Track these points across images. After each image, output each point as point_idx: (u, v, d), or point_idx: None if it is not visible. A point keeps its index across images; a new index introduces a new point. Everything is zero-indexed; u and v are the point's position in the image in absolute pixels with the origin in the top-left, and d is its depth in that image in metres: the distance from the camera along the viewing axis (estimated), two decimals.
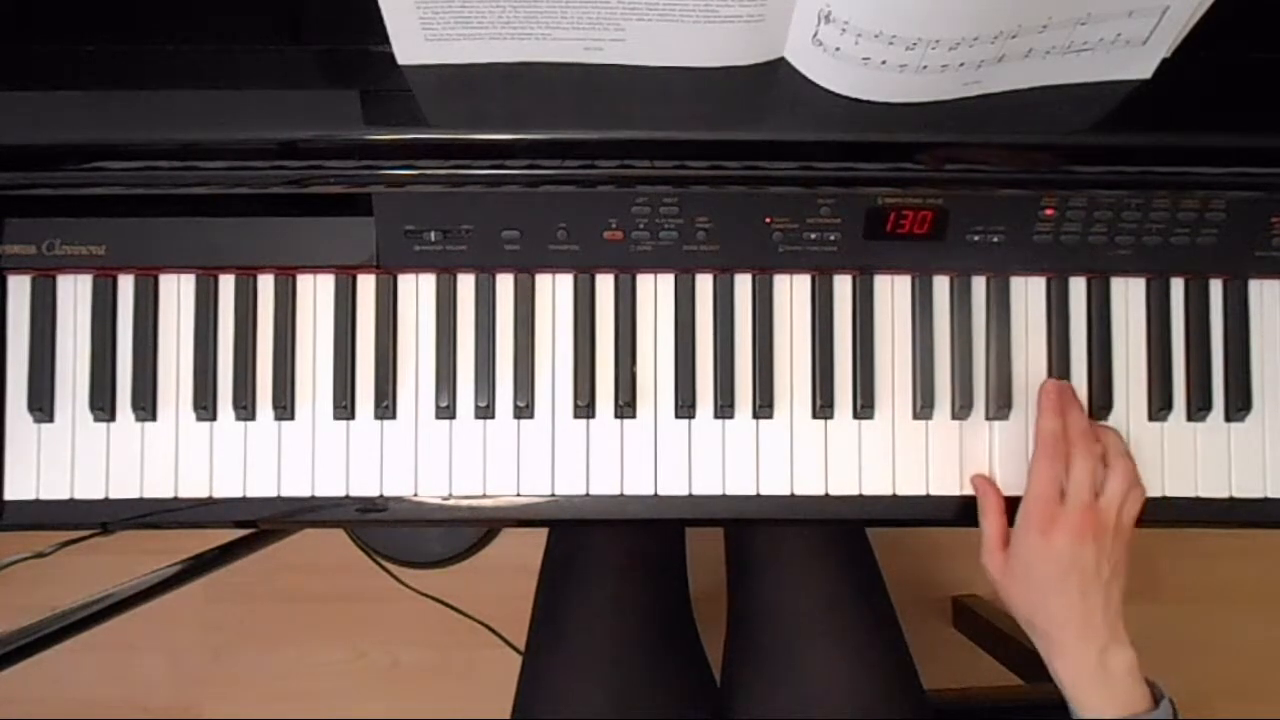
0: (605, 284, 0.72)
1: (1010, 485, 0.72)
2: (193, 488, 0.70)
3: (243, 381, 0.70)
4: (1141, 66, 0.65)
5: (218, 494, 0.70)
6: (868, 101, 0.64)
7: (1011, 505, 0.70)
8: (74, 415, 0.70)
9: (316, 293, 0.71)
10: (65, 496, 0.70)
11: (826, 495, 0.72)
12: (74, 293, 0.71)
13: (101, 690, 1.45)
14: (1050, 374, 0.73)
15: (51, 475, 0.70)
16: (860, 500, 0.72)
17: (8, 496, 0.70)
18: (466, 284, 0.71)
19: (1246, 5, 0.65)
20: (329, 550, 1.44)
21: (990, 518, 0.69)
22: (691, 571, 0.93)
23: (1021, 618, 0.69)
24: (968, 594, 1.44)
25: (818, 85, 0.64)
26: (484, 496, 0.71)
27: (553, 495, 0.71)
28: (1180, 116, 0.67)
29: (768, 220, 0.70)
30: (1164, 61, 0.64)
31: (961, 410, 0.72)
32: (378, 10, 0.60)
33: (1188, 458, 0.73)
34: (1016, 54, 0.62)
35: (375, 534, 1.43)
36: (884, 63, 0.61)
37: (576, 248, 0.70)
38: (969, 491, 0.72)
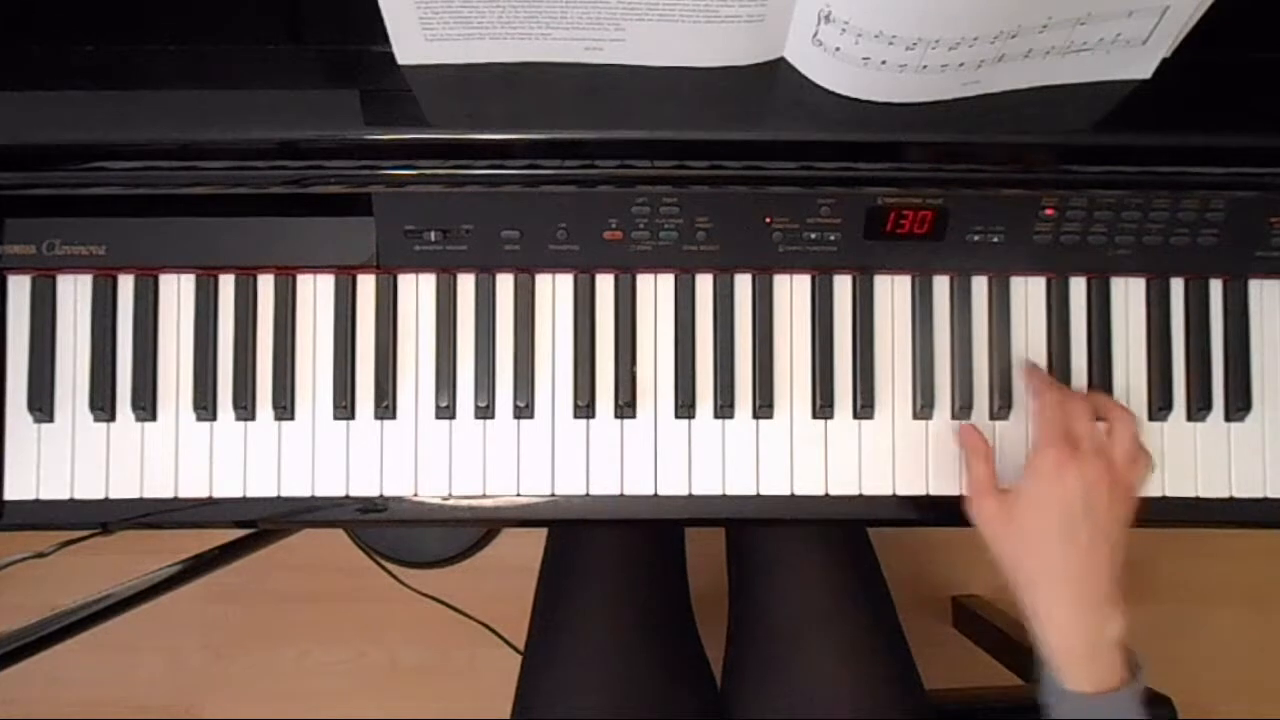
0: (605, 284, 0.72)
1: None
2: (193, 488, 0.70)
3: (243, 381, 0.70)
4: (1141, 66, 0.65)
5: (218, 494, 0.70)
6: (868, 101, 0.64)
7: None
8: (74, 415, 0.70)
9: (316, 293, 0.71)
10: (65, 496, 0.70)
11: (826, 495, 0.72)
12: (74, 293, 0.71)
13: (101, 690, 1.45)
14: (1050, 374, 0.72)
15: (51, 475, 0.70)
16: (860, 500, 0.72)
17: (8, 496, 0.70)
18: (466, 284, 0.71)
19: (1246, 5, 0.65)
20: (329, 550, 1.44)
21: (981, 459, 0.67)
22: (691, 571, 0.93)
23: (1018, 574, 0.64)
24: (968, 594, 1.44)
25: (818, 85, 0.64)
26: (484, 496, 0.71)
27: (553, 495, 0.71)
28: (1180, 116, 0.67)
29: (768, 220, 0.70)
30: (1164, 61, 0.64)
31: (962, 410, 0.72)
32: (378, 10, 0.60)
33: (1188, 458, 0.73)
34: (1016, 54, 0.62)
35: (375, 534, 1.43)
36: (884, 63, 0.61)
37: (576, 248, 0.70)
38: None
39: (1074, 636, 0.62)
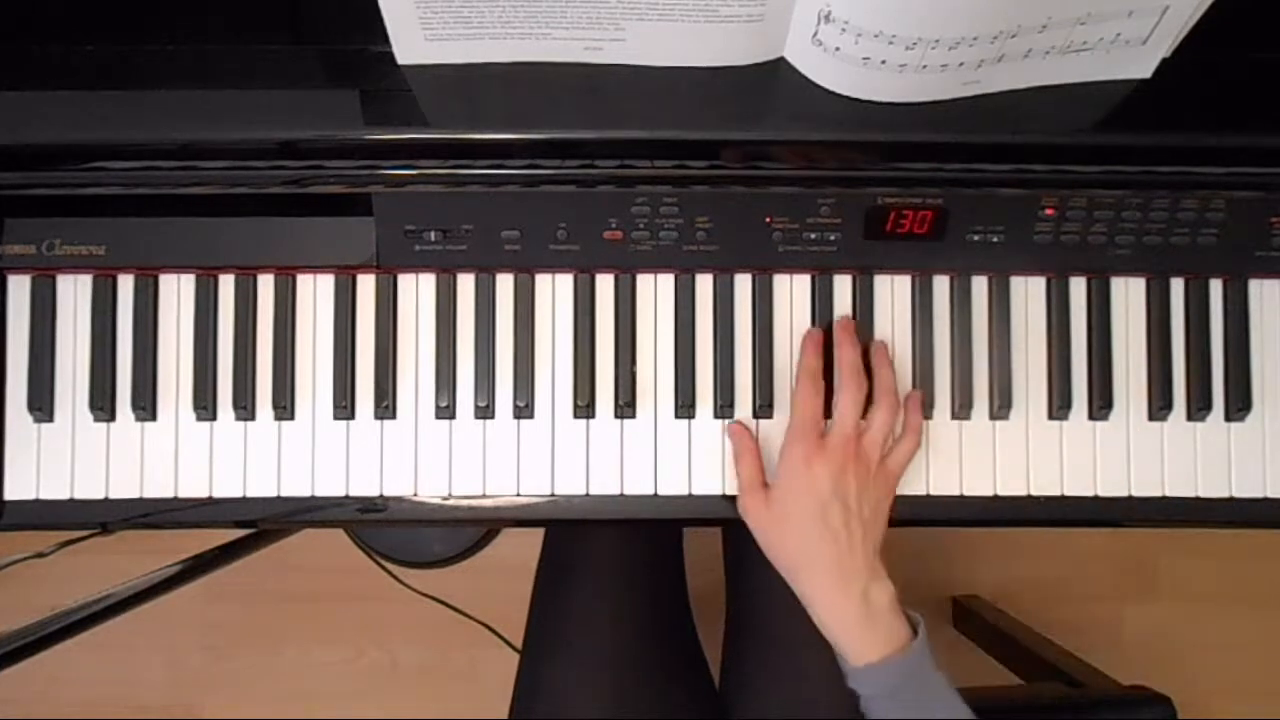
0: (605, 284, 0.72)
1: (1010, 485, 0.72)
2: (193, 488, 0.70)
3: (243, 381, 0.70)
4: (1141, 66, 0.65)
5: (218, 494, 0.70)
6: (868, 101, 0.64)
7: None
8: (74, 415, 0.70)
9: (316, 293, 0.71)
10: (65, 496, 0.70)
11: None
12: (74, 293, 0.71)
13: (101, 690, 1.45)
14: (1050, 374, 0.73)
15: (51, 475, 0.70)
16: None
17: (8, 496, 0.70)
18: (466, 284, 0.71)
19: (1246, 5, 0.65)
20: (329, 550, 1.44)
21: (746, 459, 0.69)
22: (690, 571, 0.93)
23: (784, 564, 0.68)
24: (968, 594, 1.44)
25: (818, 85, 0.64)
26: (484, 496, 0.71)
27: (552, 495, 0.71)
28: (1180, 116, 0.67)
29: (768, 220, 0.70)
30: (1164, 61, 0.64)
31: (961, 410, 0.72)
32: (378, 10, 0.60)
33: (1188, 458, 0.73)
34: (1016, 54, 0.62)
35: (375, 534, 1.43)
36: (884, 63, 0.61)
37: (576, 248, 0.70)
38: (970, 492, 0.72)
39: (844, 612, 0.65)
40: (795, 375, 0.71)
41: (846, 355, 0.69)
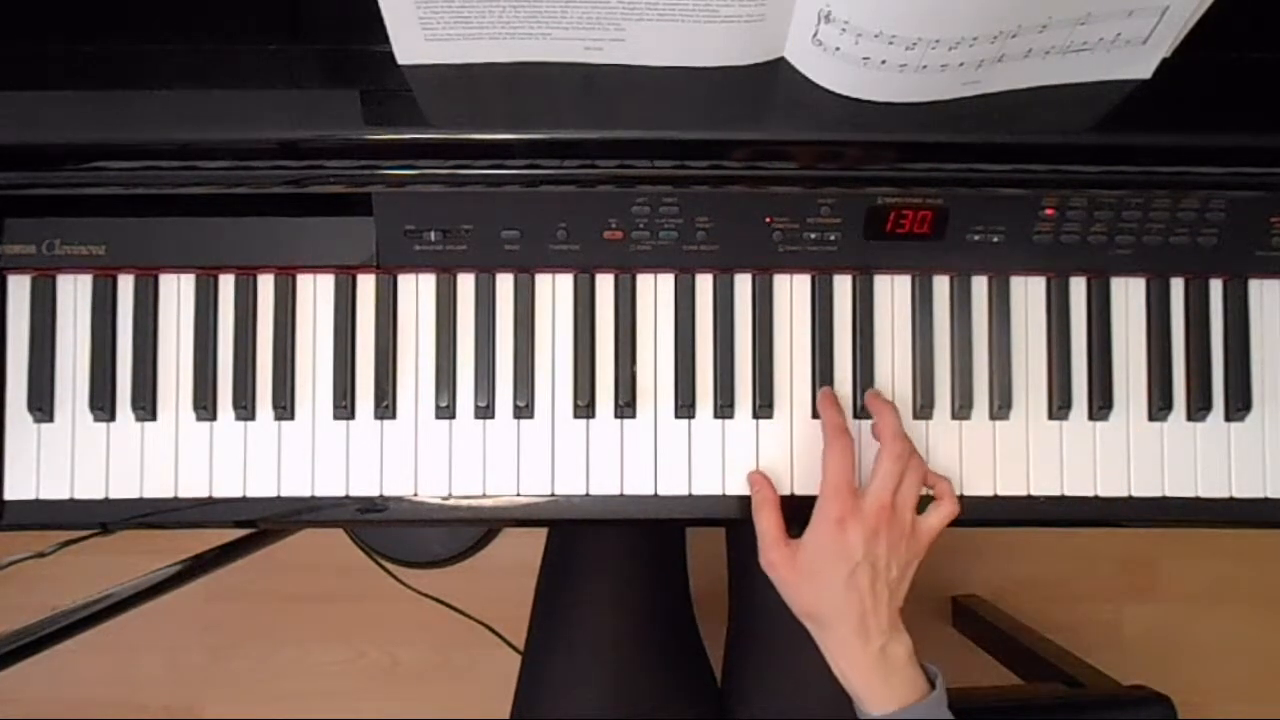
0: (605, 284, 0.72)
1: (1010, 485, 0.72)
2: (193, 488, 0.70)
3: (243, 381, 0.70)
4: (1141, 66, 0.65)
5: (218, 494, 0.70)
6: (868, 101, 0.64)
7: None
8: (74, 415, 0.70)
9: (316, 293, 0.71)
10: (65, 496, 0.70)
11: None
12: (74, 293, 0.71)
13: (101, 690, 1.45)
14: (1050, 374, 0.73)
15: (51, 475, 0.70)
16: None
17: (8, 496, 0.70)
18: (466, 284, 0.71)
19: (1246, 5, 0.65)
20: (329, 550, 1.44)
21: (767, 511, 0.68)
22: (692, 571, 0.93)
23: (807, 613, 0.68)
24: (968, 594, 1.44)
25: (818, 85, 0.64)
26: (484, 496, 0.71)
27: (552, 495, 0.71)
28: (1180, 116, 0.67)
29: (768, 220, 0.70)
30: (1164, 61, 0.64)
31: (961, 410, 0.72)
32: (378, 10, 0.60)
33: (1188, 458, 0.73)
34: (1016, 54, 0.62)
35: (375, 534, 1.43)
36: (884, 63, 0.61)
37: (576, 248, 0.70)
38: (973, 491, 0.72)
39: (865, 666, 0.65)
40: (826, 431, 0.69)
41: (888, 419, 0.68)
